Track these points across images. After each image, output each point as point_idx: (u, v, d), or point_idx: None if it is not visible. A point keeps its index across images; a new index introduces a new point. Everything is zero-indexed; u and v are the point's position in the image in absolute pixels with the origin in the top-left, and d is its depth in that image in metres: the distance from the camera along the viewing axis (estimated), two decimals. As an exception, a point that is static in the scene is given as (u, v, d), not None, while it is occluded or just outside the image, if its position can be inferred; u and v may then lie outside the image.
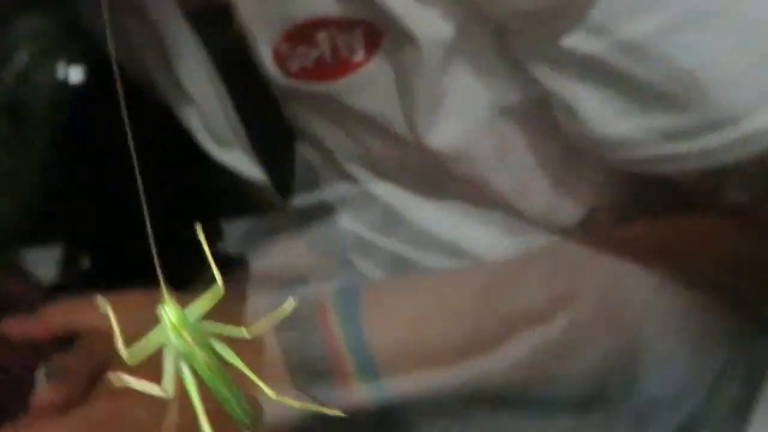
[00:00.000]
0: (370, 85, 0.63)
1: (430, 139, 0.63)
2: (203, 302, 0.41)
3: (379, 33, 0.60)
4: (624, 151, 0.59)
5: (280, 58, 0.62)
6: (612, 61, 0.56)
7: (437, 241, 0.69)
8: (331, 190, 0.71)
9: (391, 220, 0.70)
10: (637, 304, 0.68)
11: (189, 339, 0.40)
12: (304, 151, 0.72)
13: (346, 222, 0.72)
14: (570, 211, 0.67)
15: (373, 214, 0.71)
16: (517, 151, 0.65)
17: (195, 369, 0.41)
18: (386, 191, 0.69)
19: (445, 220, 0.70)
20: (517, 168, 0.65)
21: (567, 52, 0.55)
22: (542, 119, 0.63)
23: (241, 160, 0.75)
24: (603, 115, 0.58)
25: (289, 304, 0.40)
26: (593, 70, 0.56)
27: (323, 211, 0.72)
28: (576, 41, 0.55)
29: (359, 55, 0.61)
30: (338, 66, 0.62)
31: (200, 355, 0.41)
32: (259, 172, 0.75)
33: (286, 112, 0.69)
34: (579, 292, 0.66)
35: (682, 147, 0.58)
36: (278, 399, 0.40)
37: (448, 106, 0.63)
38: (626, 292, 0.67)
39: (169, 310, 0.40)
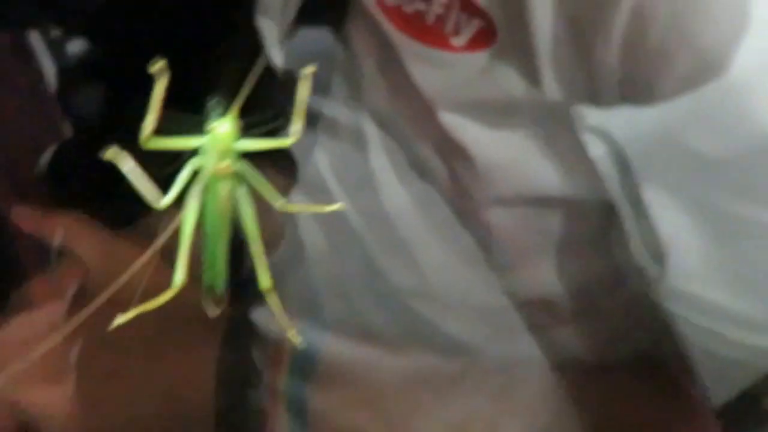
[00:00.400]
0: (445, 71, 0.57)
1: None
2: (262, 142, 0.36)
3: (494, 34, 0.54)
4: None
5: None
6: None
7: None
8: None
9: None
10: None
11: (226, 160, 0.35)
12: None
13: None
14: None
15: None
16: None
17: (206, 204, 0.35)
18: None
19: None
20: None
21: None
22: None
23: None
24: None
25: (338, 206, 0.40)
26: None
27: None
28: None
29: (460, 41, 0.56)
30: (432, 34, 0.57)
31: (224, 186, 0.35)
32: None
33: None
34: None
35: None
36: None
37: None
38: None
39: (227, 124, 0.35)
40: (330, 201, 0.63)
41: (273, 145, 0.35)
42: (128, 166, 0.34)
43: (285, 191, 0.60)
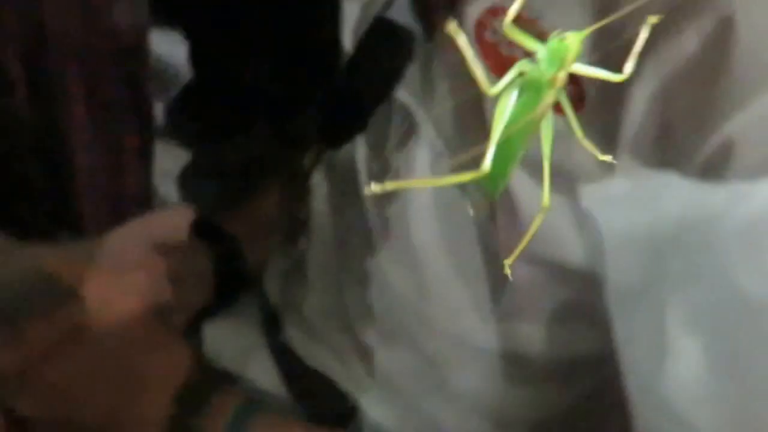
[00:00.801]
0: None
1: None
2: (596, 71, 0.36)
3: (581, 103, 0.54)
4: None
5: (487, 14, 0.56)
6: None
7: None
8: None
9: None
10: None
11: (563, 72, 0.35)
12: None
13: None
14: None
15: None
16: None
17: (525, 105, 0.36)
18: None
19: None
20: None
21: None
22: None
23: None
24: None
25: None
26: None
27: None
28: None
29: None
30: None
31: (550, 95, 0.35)
32: None
33: None
34: None
35: None
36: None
37: None
38: None
39: (577, 39, 0.35)
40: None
41: (604, 77, 0.35)
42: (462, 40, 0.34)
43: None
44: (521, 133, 0.36)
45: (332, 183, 0.66)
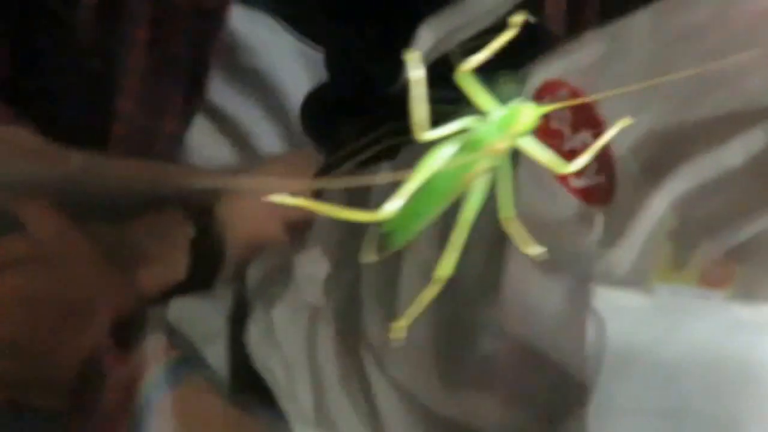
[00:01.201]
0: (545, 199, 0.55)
1: None
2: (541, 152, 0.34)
3: (609, 195, 0.51)
4: None
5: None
6: None
7: None
8: None
9: None
10: None
11: (507, 144, 0.33)
12: None
13: None
14: None
15: None
16: None
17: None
18: None
19: None
20: None
21: None
22: None
23: None
24: None
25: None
26: None
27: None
28: None
29: (579, 183, 0.54)
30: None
31: (484, 163, 0.33)
32: None
33: None
34: None
35: None
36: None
37: None
38: None
39: (532, 112, 0.33)
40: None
41: (549, 163, 0.33)
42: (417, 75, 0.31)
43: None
44: (443, 192, 0.33)
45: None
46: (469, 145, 0.32)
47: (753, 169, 0.46)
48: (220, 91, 0.88)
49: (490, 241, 0.48)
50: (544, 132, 0.49)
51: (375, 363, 0.60)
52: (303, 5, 0.78)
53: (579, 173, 0.49)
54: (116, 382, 0.60)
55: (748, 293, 0.45)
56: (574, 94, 0.49)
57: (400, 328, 0.36)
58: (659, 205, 0.48)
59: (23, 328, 0.61)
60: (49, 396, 0.61)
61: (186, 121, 0.84)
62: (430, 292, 0.34)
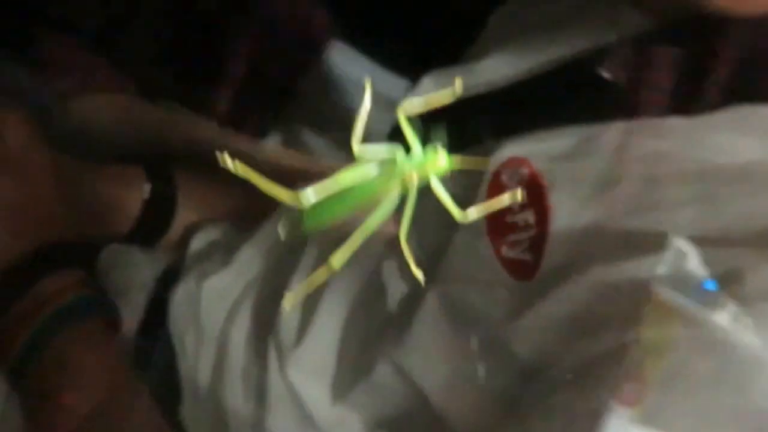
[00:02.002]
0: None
1: None
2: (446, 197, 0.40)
3: (532, 273, 0.53)
4: None
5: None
6: None
7: None
8: None
9: None
10: None
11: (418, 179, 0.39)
12: None
13: None
14: None
15: None
16: None
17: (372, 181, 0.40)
18: None
19: None
20: None
21: None
22: None
23: None
24: None
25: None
26: None
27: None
28: None
29: (508, 253, 0.54)
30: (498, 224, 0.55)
31: (395, 185, 0.40)
32: None
33: None
34: None
35: None
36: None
37: None
38: None
39: (445, 161, 0.39)
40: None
41: (449, 206, 0.39)
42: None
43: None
44: (356, 197, 0.40)
45: None
46: (389, 168, 0.39)
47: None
48: (299, 116, 0.92)
49: (412, 279, 0.49)
50: (494, 195, 0.50)
51: (277, 360, 0.62)
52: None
53: (512, 244, 0.53)
54: (33, 296, 0.62)
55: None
56: (533, 175, 0.52)
57: (288, 299, 0.42)
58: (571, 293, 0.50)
59: None
60: None
61: (260, 134, 0.88)
62: (320, 275, 0.40)
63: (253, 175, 0.38)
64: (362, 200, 0.40)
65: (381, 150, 0.39)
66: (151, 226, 0.72)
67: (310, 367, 0.61)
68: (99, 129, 0.76)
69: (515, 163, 0.54)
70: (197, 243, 0.72)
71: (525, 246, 0.52)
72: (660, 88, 0.54)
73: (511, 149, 0.55)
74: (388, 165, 0.39)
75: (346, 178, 0.39)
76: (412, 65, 0.67)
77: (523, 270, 0.52)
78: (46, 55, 0.83)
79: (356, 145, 0.38)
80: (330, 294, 0.61)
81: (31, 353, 0.61)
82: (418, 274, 0.40)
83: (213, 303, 0.66)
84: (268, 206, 0.66)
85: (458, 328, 0.55)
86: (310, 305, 0.62)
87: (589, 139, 0.52)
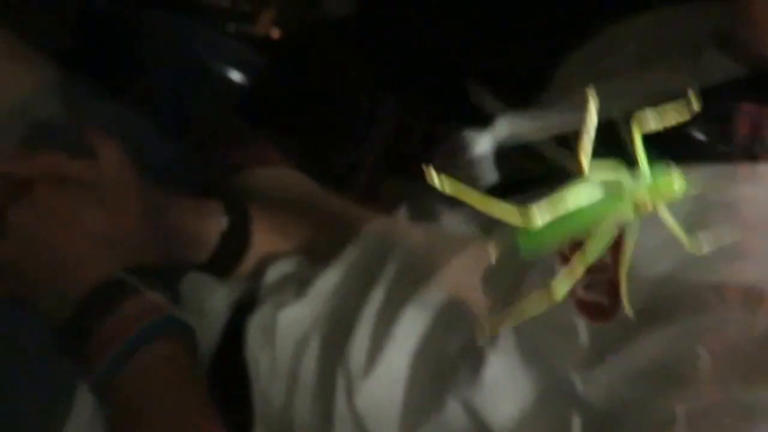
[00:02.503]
0: None
1: None
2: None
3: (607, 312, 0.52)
4: None
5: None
6: None
7: None
8: None
9: None
10: None
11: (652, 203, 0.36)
12: None
13: None
14: None
15: None
16: None
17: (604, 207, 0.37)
18: None
19: None
20: None
21: None
22: None
23: None
24: None
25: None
26: None
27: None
28: None
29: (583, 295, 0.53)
30: None
31: (626, 212, 0.37)
32: None
33: None
34: None
35: None
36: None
37: None
38: None
39: (680, 184, 0.36)
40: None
41: (679, 234, 0.36)
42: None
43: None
44: (579, 222, 0.37)
45: None
46: (616, 192, 0.36)
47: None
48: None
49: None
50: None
51: (345, 389, 0.61)
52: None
53: (589, 286, 0.51)
54: (119, 317, 0.63)
55: None
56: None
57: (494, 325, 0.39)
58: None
59: (59, 239, 0.65)
60: (55, 305, 0.64)
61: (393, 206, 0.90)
62: (537, 302, 0.37)
63: (466, 193, 0.36)
64: (586, 223, 0.37)
65: (608, 169, 0.36)
66: (226, 257, 0.74)
67: (378, 399, 0.60)
68: (261, 198, 0.78)
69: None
70: (272, 274, 0.73)
71: (602, 288, 0.50)
72: (744, 143, 0.53)
73: None
74: (614, 187, 0.36)
75: (572, 197, 0.36)
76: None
77: (599, 313, 0.51)
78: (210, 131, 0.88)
79: (585, 160, 0.35)
80: (400, 327, 0.61)
81: (115, 370, 0.62)
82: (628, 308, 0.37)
83: (287, 332, 0.67)
84: (338, 239, 0.70)
85: (531, 368, 0.54)
86: (379, 336, 0.61)
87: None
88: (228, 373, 0.69)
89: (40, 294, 0.65)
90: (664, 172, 0.36)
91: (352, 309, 0.65)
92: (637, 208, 0.36)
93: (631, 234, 0.37)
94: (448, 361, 0.59)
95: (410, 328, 0.61)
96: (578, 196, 0.36)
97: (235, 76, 0.96)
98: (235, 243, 0.74)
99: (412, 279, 0.64)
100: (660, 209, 0.36)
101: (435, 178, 0.36)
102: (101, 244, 0.66)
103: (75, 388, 0.67)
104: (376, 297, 0.64)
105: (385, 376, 0.60)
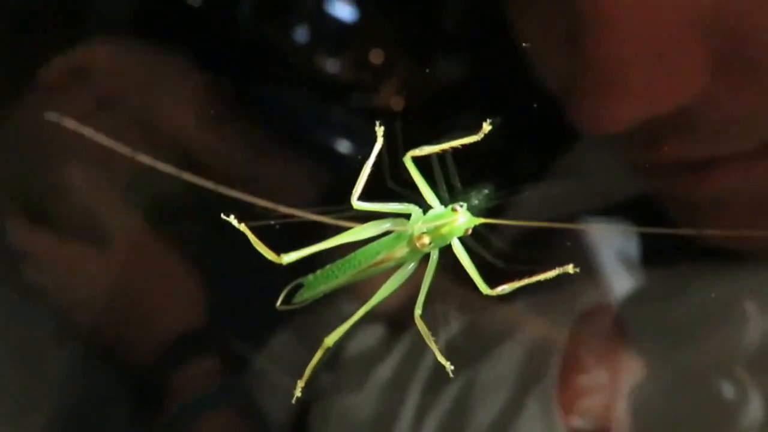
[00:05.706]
0: None
1: None
2: (468, 264, 0.32)
3: None
4: None
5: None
6: None
7: None
8: None
9: None
10: None
11: (431, 243, 0.32)
12: None
13: None
14: None
15: None
16: None
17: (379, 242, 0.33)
18: None
19: None
20: None
21: None
22: None
23: None
24: None
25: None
26: None
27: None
28: None
29: None
30: None
31: (402, 249, 0.32)
32: None
33: None
34: None
35: None
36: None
37: None
38: None
39: (468, 222, 0.31)
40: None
41: (474, 276, 0.31)
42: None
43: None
44: (355, 263, 0.32)
45: None
46: (401, 228, 0.31)
47: None
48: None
49: (511, 389, 0.45)
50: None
51: None
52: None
53: (584, 411, 0.45)
54: (194, 370, 0.61)
55: None
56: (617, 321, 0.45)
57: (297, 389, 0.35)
58: None
59: (143, 284, 0.65)
60: (137, 355, 0.62)
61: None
62: (316, 357, 0.33)
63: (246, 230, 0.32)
64: (360, 266, 0.32)
65: (383, 206, 0.31)
66: None
67: None
68: None
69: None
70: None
71: (595, 413, 0.45)
72: None
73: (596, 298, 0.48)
74: (400, 224, 0.31)
75: (340, 238, 0.31)
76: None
77: None
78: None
79: (355, 201, 0.31)
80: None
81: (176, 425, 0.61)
82: (446, 363, 0.32)
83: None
84: None
85: None
86: None
87: (669, 294, 0.45)
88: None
89: (125, 346, 0.64)
90: (448, 211, 0.31)
91: None
92: (414, 245, 0.31)
93: (426, 277, 0.32)
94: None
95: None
96: (345, 238, 0.32)
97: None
98: None
99: None
100: (454, 245, 0.31)
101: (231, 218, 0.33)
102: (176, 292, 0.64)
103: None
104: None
105: None
